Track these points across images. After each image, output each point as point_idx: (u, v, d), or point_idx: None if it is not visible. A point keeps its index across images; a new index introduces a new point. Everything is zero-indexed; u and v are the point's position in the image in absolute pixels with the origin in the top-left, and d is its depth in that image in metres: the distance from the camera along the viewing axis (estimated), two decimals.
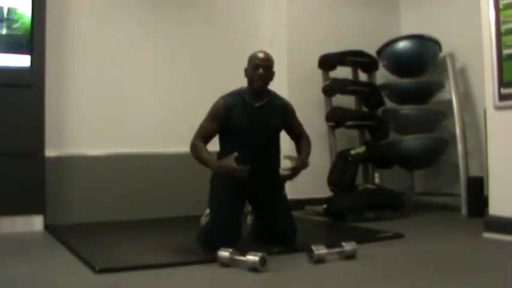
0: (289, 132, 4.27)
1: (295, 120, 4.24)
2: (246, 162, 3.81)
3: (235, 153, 3.83)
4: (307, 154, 4.16)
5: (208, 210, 4.01)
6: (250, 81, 3.98)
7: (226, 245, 3.49)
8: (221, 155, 4.02)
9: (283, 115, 4.11)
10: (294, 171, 4.01)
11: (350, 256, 3.62)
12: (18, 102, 4.91)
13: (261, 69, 3.91)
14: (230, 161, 3.75)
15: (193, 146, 3.96)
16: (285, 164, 4.06)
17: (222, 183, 3.93)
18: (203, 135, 3.99)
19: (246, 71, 4.01)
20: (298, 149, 4.24)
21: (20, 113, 4.92)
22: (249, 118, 3.96)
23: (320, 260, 3.49)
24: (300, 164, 4.02)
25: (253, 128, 3.96)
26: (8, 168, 4.85)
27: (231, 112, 3.94)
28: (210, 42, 6.23)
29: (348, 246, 3.63)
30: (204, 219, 4.02)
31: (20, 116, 4.91)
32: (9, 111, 4.89)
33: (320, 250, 3.51)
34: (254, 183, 3.96)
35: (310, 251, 3.51)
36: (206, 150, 3.94)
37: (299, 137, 4.26)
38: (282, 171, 4.05)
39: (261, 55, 3.98)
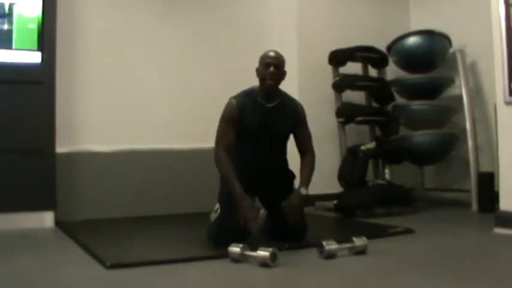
0: (295, 137, 4.16)
1: (304, 126, 4.14)
2: (255, 161, 3.90)
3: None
4: (305, 183, 4.02)
5: (217, 206, 4.01)
6: (262, 80, 3.95)
7: (236, 240, 3.49)
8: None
9: (294, 117, 4.07)
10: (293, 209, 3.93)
11: (361, 251, 3.61)
12: (29, 98, 4.93)
13: (272, 67, 3.88)
14: (249, 206, 3.72)
15: (219, 159, 3.85)
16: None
17: None
18: (226, 144, 3.88)
19: (258, 70, 3.99)
20: (301, 169, 4.13)
21: (31, 109, 4.93)
22: (261, 119, 3.94)
23: (331, 256, 3.49)
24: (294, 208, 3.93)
25: (264, 128, 3.95)
26: (19, 165, 4.87)
27: (243, 112, 3.92)
28: (220, 39, 6.24)
29: (358, 241, 3.63)
30: (213, 215, 4.02)
31: (31, 112, 4.93)
32: (20, 107, 4.90)
33: (331, 245, 3.51)
34: (263, 183, 3.98)
35: (321, 247, 3.51)
36: (231, 167, 3.81)
37: (304, 149, 4.14)
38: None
39: (271, 54, 3.96)
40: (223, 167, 3.83)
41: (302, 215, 3.98)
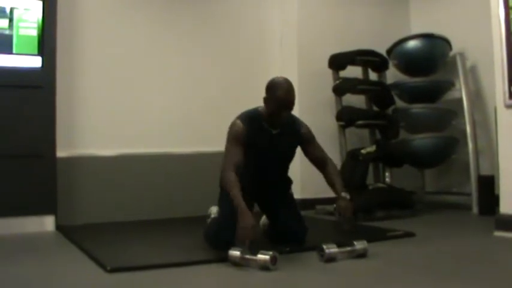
0: (307, 155, 4.10)
1: (313, 145, 4.08)
2: (256, 177, 3.85)
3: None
4: (343, 189, 3.95)
5: (210, 210, 4.00)
6: (271, 115, 3.83)
7: (234, 244, 3.49)
8: None
9: (299, 142, 4.04)
10: (347, 221, 3.83)
11: (361, 255, 3.62)
12: (30, 103, 4.93)
13: (285, 112, 3.79)
14: (250, 226, 3.48)
15: (223, 178, 3.74)
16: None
17: None
18: (234, 164, 3.75)
19: (266, 100, 3.84)
20: (329, 181, 4.06)
21: (31, 113, 4.94)
22: (265, 145, 3.89)
23: (331, 259, 3.49)
24: (346, 215, 3.84)
25: (267, 153, 3.91)
26: (19, 169, 4.88)
27: (249, 135, 3.83)
28: (220, 42, 6.25)
29: (358, 244, 3.63)
30: (209, 220, 4.03)
31: (31, 116, 4.94)
32: (21, 112, 4.91)
33: (331, 249, 3.51)
34: (263, 191, 3.97)
35: (321, 250, 3.51)
36: (237, 185, 3.65)
37: (321, 163, 4.09)
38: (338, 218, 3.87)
39: (284, 95, 3.76)
40: (229, 185, 3.66)
41: (353, 218, 3.87)
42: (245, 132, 3.81)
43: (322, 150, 4.12)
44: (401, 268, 3.42)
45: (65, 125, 5.31)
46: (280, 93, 3.78)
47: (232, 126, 3.88)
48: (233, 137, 3.84)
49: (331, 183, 4.05)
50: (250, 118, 3.90)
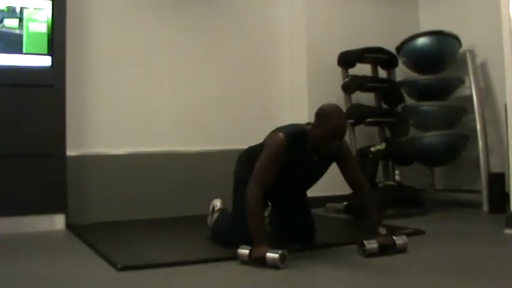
0: (342, 174, 3.92)
1: (348, 164, 3.89)
2: (275, 187, 3.68)
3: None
4: (380, 223, 3.79)
5: (213, 203, 4.00)
6: (321, 142, 3.64)
7: (246, 242, 3.47)
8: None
9: (334, 160, 3.88)
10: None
11: (401, 250, 3.66)
12: (40, 102, 4.95)
13: (336, 140, 3.61)
14: (261, 256, 3.33)
15: (253, 197, 3.53)
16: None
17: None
18: (264, 182, 3.58)
19: (316, 126, 3.62)
20: (365, 208, 3.96)
21: (41, 113, 4.96)
22: (301, 170, 3.78)
23: (372, 254, 3.54)
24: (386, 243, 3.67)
25: (301, 176, 3.86)
26: (29, 168, 4.89)
27: (289, 156, 3.65)
28: (229, 40, 6.25)
29: (399, 240, 3.65)
30: (214, 217, 4.05)
31: (41, 116, 4.96)
32: (31, 111, 4.93)
33: (372, 244, 3.56)
34: (278, 195, 3.96)
35: (362, 245, 3.55)
36: (262, 215, 3.62)
37: (355, 185, 3.91)
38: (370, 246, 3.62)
39: (339, 123, 3.55)
40: (253, 209, 3.52)
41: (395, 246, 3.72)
42: (286, 151, 3.62)
43: (357, 172, 3.93)
44: (410, 266, 3.41)
45: (75, 123, 5.32)
46: (334, 121, 3.55)
47: (275, 138, 3.69)
48: (275, 154, 3.64)
49: (367, 212, 3.94)
50: (294, 137, 3.68)
